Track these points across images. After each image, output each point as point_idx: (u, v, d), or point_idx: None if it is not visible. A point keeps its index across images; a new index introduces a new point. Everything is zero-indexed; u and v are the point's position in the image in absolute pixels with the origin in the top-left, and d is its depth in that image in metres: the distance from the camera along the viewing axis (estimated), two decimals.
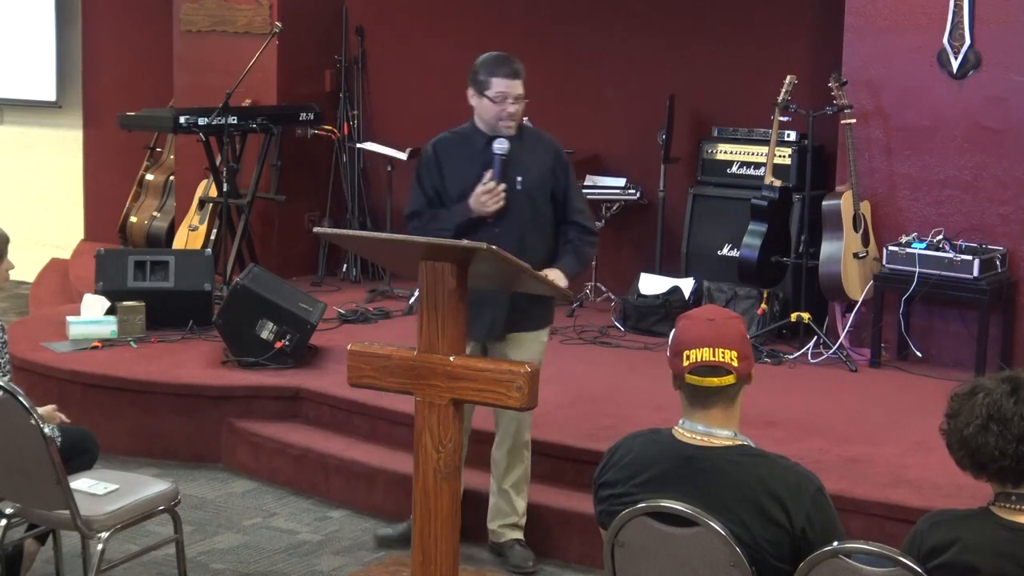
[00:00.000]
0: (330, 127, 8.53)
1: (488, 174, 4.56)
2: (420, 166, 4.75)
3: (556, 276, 4.50)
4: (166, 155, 9.27)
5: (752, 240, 6.69)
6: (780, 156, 7.01)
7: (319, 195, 8.64)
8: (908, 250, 6.32)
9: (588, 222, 4.77)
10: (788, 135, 7.07)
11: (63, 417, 4.45)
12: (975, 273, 6.13)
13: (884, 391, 6.08)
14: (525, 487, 4.84)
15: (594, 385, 6.04)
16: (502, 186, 4.54)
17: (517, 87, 4.58)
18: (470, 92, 4.61)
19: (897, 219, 6.59)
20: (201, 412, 6.00)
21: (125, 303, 6.70)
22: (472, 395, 3.51)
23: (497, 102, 4.56)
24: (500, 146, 4.56)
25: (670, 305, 6.97)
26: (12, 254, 4.39)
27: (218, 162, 7.74)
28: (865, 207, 6.57)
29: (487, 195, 4.53)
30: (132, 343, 6.58)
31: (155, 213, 9.08)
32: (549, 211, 4.69)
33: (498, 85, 4.55)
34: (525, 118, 4.87)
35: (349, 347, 3.72)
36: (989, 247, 6.29)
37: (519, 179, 4.60)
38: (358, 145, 8.46)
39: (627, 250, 7.91)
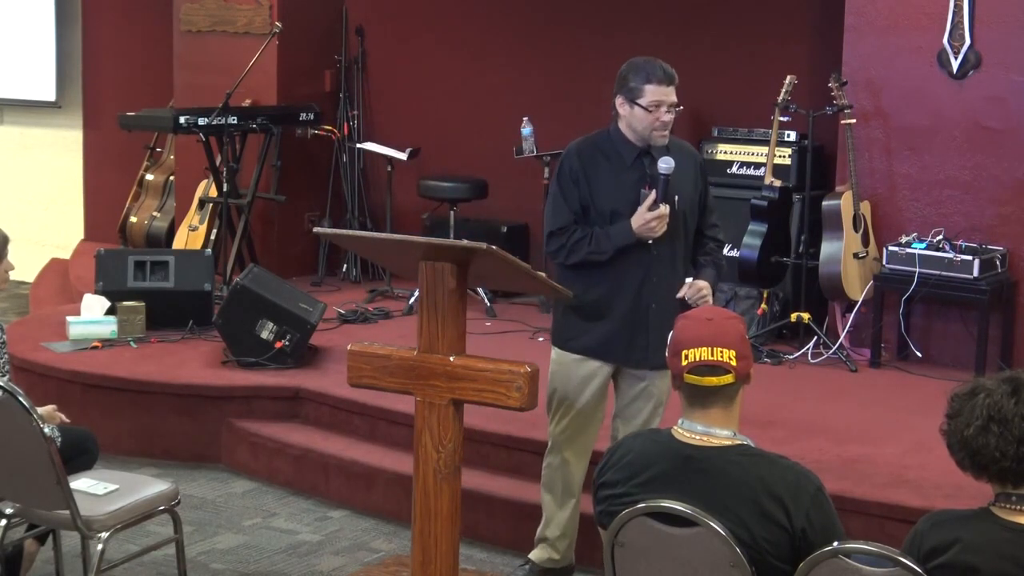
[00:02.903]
0: (330, 127, 8.52)
1: (651, 195, 4.19)
2: (562, 176, 4.33)
3: (707, 288, 4.26)
4: (166, 155, 9.27)
5: (752, 240, 6.68)
6: (780, 156, 7.01)
7: (319, 195, 8.64)
8: (908, 250, 6.32)
9: (721, 235, 4.51)
10: (788, 135, 7.06)
11: (63, 417, 4.45)
12: (975, 273, 6.13)
13: (884, 391, 6.08)
14: None
15: None
16: (667, 208, 4.19)
17: (672, 94, 4.21)
18: (618, 100, 4.25)
19: (897, 219, 6.59)
20: (201, 412, 6.00)
21: (125, 303, 6.70)
22: (472, 395, 3.51)
23: (651, 111, 4.19)
24: (666, 165, 4.17)
25: None
26: (12, 254, 4.38)
27: (218, 162, 7.74)
28: (865, 207, 6.57)
29: (657, 220, 4.17)
30: (132, 343, 6.58)
31: (155, 213, 9.08)
32: (695, 226, 4.42)
33: (652, 93, 4.18)
34: None
35: (349, 347, 3.72)
36: (989, 247, 6.28)
37: (677, 198, 4.25)
38: (358, 145, 8.45)
39: None
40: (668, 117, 4.23)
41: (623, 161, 4.29)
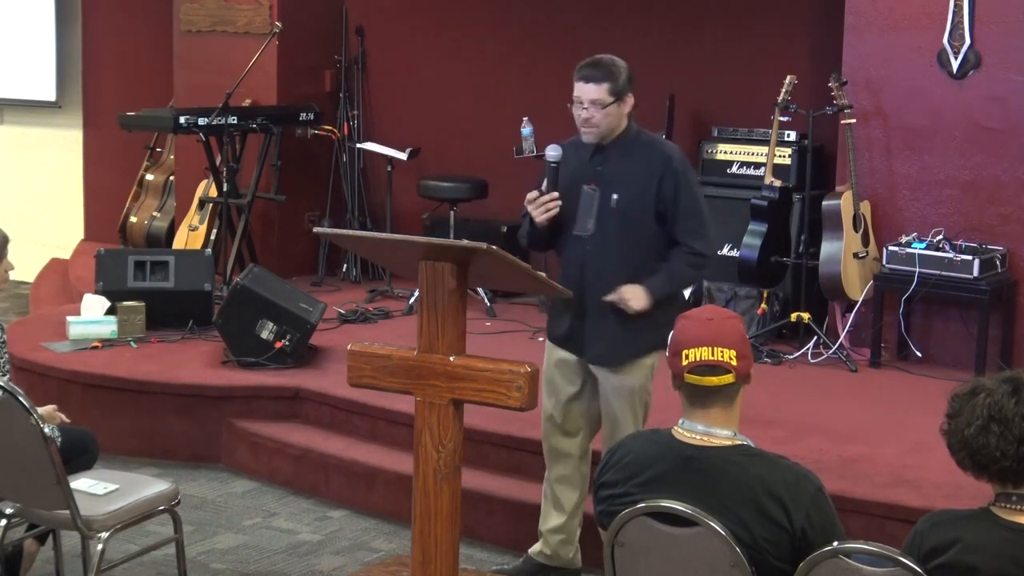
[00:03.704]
0: (330, 127, 8.52)
1: (545, 183, 4.31)
2: (543, 168, 4.52)
3: (634, 294, 4.24)
4: (166, 155, 9.27)
5: (752, 240, 6.68)
6: (780, 156, 7.00)
7: (319, 195, 8.64)
8: (908, 250, 6.32)
9: (698, 242, 4.33)
10: (788, 135, 7.06)
11: (63, 417, 4.45)
12: (975, 273, 6.13)
13: (884, 391, 6.08)
14: None
15: None
16: (548, 196, 4.27)
17: (591, 92, 4.24)
18: None
19: (897, 219, 6.59)
20: (201, 412, 6.00)
21: (125, 303, 6.70)
22: (472, 395, 3.51)
23: (573, 107, 4.30)
24: (552, 153, 4.31)
25: None
26: (12, 254, 4.38)
27: (218, 162, 7.74)
28: (865, 207, 6.57)
29: (532, 206, 4.31)
30: (132, 343, 6.57)
31: (155, 213, 9.08)
32: (654, 230, 4.32)
33: (575, 89, 4.28)
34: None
35: (349, 347, 3.71)
36: (989, 247, 6.28)
37: (615, 196, 4.28)
38: (358, 145, 8.45)
39: None
40: (586, 114, 4.28)
41: (582, 157, 4.39)
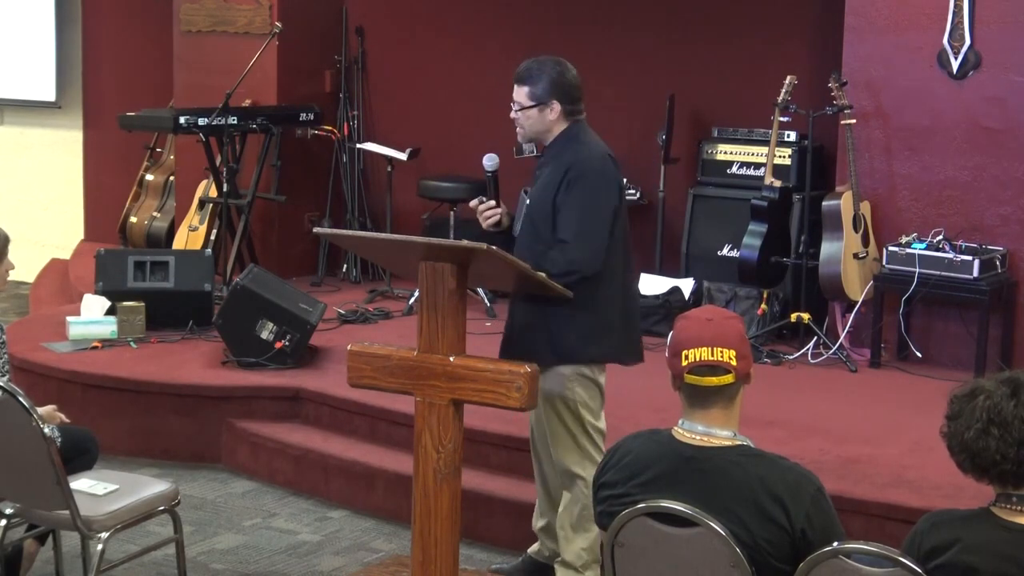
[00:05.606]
0: (330, 127, 8.52)
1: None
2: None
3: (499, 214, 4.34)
4: (166, 155, 9.27)
5: (752, 240, 6.68)
6: (780, 156, 7.01)
7: (319, 195, 8.64)
8: (908, 250, 6.33)
9: (559, 254, 4.09)
10: (788, 135, 7.06)
11: (63, 417, 4.45)
12: (975, 273, 6.13)
13: (884, 391, 6.08)
14: (569, 527, 4.36)
15: None
16: (489, 204, 4.31)
17: (515, 92, 4.29)
18: None
19: (897, 219, 6.59)
20: (201, 412, 6.00)
21: (125, 303, 6.70)
22: (472, 395, 3.52)
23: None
24: (489, 163, 4.35)
25: (670, 305, 6.97)
26: (12, 254, 4.38)
27: (218, 162, 7.74)
28: (865, 207, 6.57)
29: (478, 214, 4.38)
30: (132, 343, 6.57)
31: (155, 213, 9.08)
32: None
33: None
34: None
35: (349, 347, 3.72)
36: (989, 247, 6.29)
37: (527, 202, 4.39)
38: (358, 145, 8.45)
39: None
40: (512, 115, 4.33)
41: (534, 161, 4.45)
